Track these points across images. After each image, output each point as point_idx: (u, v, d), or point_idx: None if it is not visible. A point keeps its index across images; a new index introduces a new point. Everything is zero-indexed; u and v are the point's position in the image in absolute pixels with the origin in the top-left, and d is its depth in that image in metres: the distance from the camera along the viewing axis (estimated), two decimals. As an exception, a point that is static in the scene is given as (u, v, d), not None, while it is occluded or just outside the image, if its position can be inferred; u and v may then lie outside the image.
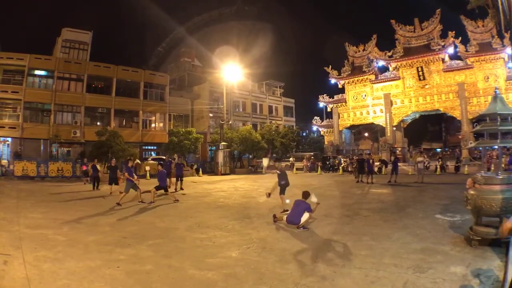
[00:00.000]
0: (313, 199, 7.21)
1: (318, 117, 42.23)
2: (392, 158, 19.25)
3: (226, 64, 31.28)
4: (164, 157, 25.24)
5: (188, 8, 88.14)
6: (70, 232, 6.64)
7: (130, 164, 11.90)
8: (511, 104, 20.86)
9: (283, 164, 33.41)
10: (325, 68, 39.31)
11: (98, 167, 15.85)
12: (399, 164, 18.44)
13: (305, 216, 6.73)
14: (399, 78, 34.95)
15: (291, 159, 33.11)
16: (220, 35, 68.80)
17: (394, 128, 35.82)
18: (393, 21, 34.88)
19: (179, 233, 6.71)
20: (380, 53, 35.68)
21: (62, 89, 27.37)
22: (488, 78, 30.19)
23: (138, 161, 17.91)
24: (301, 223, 6.69)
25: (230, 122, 34.16)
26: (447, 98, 32.55)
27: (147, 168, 22.48)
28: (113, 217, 8.29)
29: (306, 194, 7.24)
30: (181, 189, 13.96)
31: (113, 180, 13.10)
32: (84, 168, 18.89)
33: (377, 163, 21.80)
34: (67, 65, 27.77)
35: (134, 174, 11.26)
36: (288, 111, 50.17)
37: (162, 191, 11.10)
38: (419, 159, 17.34)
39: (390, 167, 19.27)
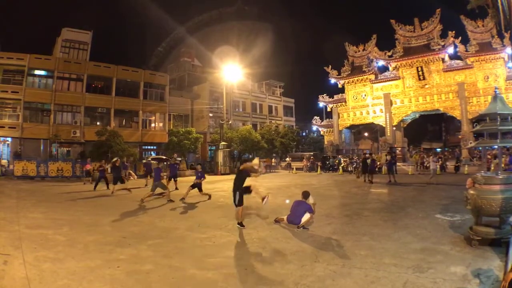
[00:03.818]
0: (310, 200, 7.10)
1: (318, 117, 42.13)
2: (388, 157, 19.24)
3: (226, 64, 31.29)
4: (164, 157, 25.29)
5: (188, 8, 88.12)
6: (70, 232, 6.63)
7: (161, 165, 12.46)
8: (511, 104, 20.85)
9: (283, 164, 33.61)
10: (325, 68, 39.23)
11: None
12: (398, 164, 18.54)
13: (306, 217, 6.71)
14: (399, 78, 34.91)
15: (287, 159, 33.11)
16: (220, 35, 68.58)
17: (394, 128, 35.77)
18: (393, 21, 34.82)
19: (179, 233, 6.71)
20: (380, 53, 35.62)
21: (62, 89, 27.36)
22: (488, 78, 30.16)
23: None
24: (301, 223, 6.68)
25: (230, 122, 34.16)
26: (447, 98, 32.51)
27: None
28: (113, 217, 8.28)
29: (306, 194, 7.13)
30: (176, 189, 13.96)
31: (118, 179, 13.31)
32: (88, 167, 18.83)
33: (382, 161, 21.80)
34: (67, 65, 27.76)
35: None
36: (288, 111, 50.15)
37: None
38: (432, 158, 17.35)
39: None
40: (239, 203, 6.93)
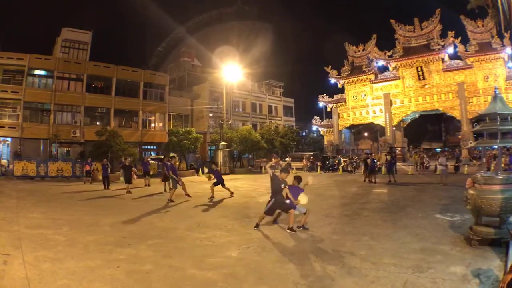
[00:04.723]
0: (302, 200, 6.82)
1: (318, 117, 42.13)
2: (388, 157, 19.24)
3: (226, 64, 31.31)
4: (162, 156, 25.25)
5: (188, 8, 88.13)
6: (70, 232, 6.63)
7: (173, 162, 12.44)
8: (511, 104, 20.85)
9: (282, 163, 33.58)
10: (325, 68, 39.24)
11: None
12: (398, 164, 18.54)
13: (304, 197, 6.71)
14: (398, 78, 34.91)
15: (287, 159, 33.12)
16: (220, 35, 68.77)
17: (394, 128, 35.77)
18: (393, 21, 34.82)
19: (179, 233, 6.71)
20: (380, 53, 35.62)
21: (61, 89, 27.34)
22: (488, 78, 30.17)
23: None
24: (298, 206, 6.68)
25: (230, 122, 34.16)
26: (446, 98, 32.52)
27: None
28: (113, 217, 8.28)
29: (299, 179, 7.15)
30: (170, 189, 13.95)
31: (128, 179, 13.53)
32: (88, 167, 18.83)
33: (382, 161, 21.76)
34: (67, 65, 27.74)
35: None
36: (287, 111, 50.15)
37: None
38: (442, 158, 16.57)
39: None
40: (267, 211, 6.77)
